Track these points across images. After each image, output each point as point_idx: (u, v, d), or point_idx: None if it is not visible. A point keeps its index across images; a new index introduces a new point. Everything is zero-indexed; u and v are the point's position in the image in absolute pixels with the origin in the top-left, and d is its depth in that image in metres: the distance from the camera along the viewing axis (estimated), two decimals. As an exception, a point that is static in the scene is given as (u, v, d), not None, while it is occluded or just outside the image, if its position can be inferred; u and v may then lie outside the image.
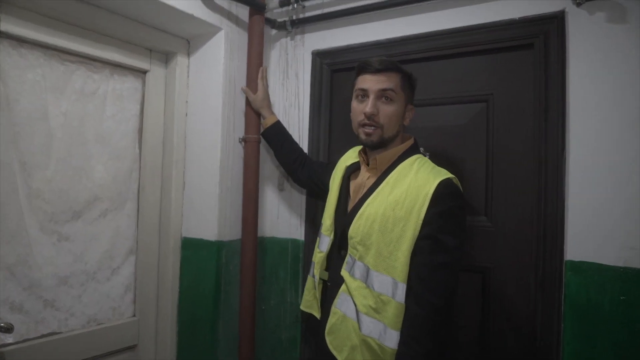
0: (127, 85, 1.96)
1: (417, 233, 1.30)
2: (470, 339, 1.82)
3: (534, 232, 1.69)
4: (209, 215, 1.99)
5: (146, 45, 1.97)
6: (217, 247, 1.96)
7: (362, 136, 1.47)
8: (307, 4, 2.14)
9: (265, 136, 2.03)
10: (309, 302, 1.64)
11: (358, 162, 1.60)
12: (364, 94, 1.45)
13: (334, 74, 2.16)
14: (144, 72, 2.02)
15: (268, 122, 2.00)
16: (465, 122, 1.86)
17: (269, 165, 2.25)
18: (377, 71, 1.43)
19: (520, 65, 1.76)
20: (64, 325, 1.74)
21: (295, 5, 2.13)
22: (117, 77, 1.92)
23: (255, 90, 2.03)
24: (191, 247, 2.04)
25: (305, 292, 1.68)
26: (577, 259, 1.59)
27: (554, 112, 1.65)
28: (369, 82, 1.44)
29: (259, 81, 2.03)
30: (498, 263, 1.78)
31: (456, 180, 1.37)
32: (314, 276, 1.61)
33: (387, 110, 1.43)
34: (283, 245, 2.19)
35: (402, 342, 1.28)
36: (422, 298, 1.27)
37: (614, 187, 1.54)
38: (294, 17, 2.17)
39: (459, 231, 1.33)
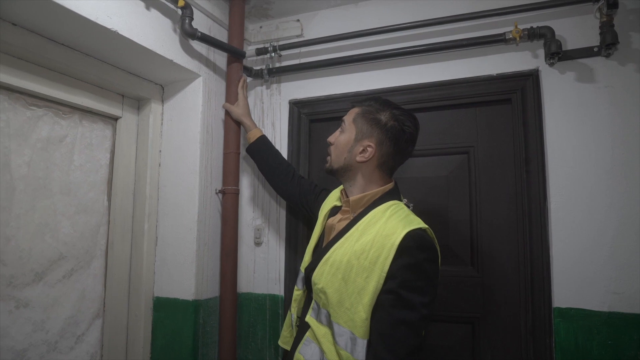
0: (97, 132, 1.81)
1: (380, 286, 1.18)
2: (462, 391, 1.80)
3: (521, 280, 1.73)
4: (185, 273, 1.84)
5: (119, 90, 1.85)
6: (194, 307, 1.81)
7: None
8: (284, 53, 2.13)
9: (249, 152, 1.92)
10: (287, 339, 1.53)
11: None
12: None
13: (312, 123, 2.14)
14: (115, 118, 1.88)
15: (251, 136, 1.90)
16: (448, 173, 1.91)
17: (244, 217, 2.15)
18: (351, 107, 1.46)
19: (500, 118, 1.85)
20: (20, 407, 1.50)
21: (273, 54, 2.11)
22: (87, 124, 1.77)
23: (234, 101, 1.97)
24: (164, 308, 1.87)
25: (284, 327, 1.56)
26: (564, 305, 1.64)
27: (534, 163, 1.73)
28: None
29: (240, 90, 1.97)
30: (487, 312, 1.79)
31: (430, 232, 1.27)
32: (292, 313, 1.51)
33: (336, 141, 1.43)
34: (260, 301, 2.07)
35: None
36: (379, 358, 1.15)
37: (594, 233, 1.63)
38: (271, 66, 2.15)
39: (427, 287, 1.20)
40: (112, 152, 1.88)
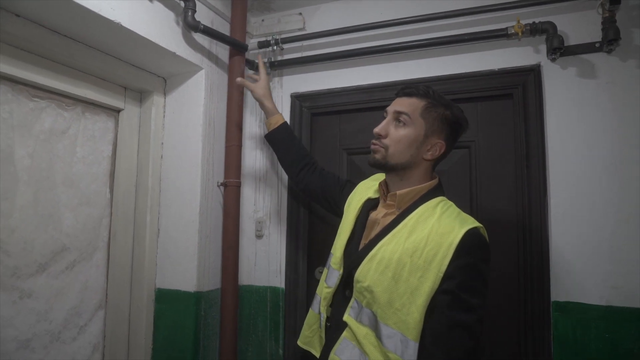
0: (100, 124, 1.82)
1: (436, 286, 1.13)
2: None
3: (520, 274, 1.74)
4: (187, 265, 1.85)
5: (121, 82, 1.85)
6: (195, 299, 1.83)
7: (371, 154, 1.37)
8: (286, 46, 2.13)
9: (269, 139, 1.82)
10: (308, 339, 1.44)
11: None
12: (385, 114, 1.36)
13: (314, 117, 2.14)
14: (118, 110, 1.89)
15: (273, 122, 1.78)
16: (448, 167, 1.91)
17: (246, 210, 2.16)
18: (404, 94, 1.36)
19: (501, 113, 1.85)
20: (23, 396, 1.52)
21: (275, 47, 2.11)
22: (89, 116, 1.78)
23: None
24: (166, 299, 1.88)
25: (305, 326, 1.46)
26: (562, 299, 1.65)
27: (534, 158, 1.74)
28: (392, 104, 1.36)
29: (261, 69, 1.90)
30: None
31: (483, 231, 1.22)
32: (319, 312, 1.41)
33: (396, 134, 1.31)
34: (261, 293, 2.09)
35: None
36: None
37: (593, 228, 1.64)
38: (273, 59, 2.15)
39: (482, 288, 1.16)
40: (115, 145, 1.88)
